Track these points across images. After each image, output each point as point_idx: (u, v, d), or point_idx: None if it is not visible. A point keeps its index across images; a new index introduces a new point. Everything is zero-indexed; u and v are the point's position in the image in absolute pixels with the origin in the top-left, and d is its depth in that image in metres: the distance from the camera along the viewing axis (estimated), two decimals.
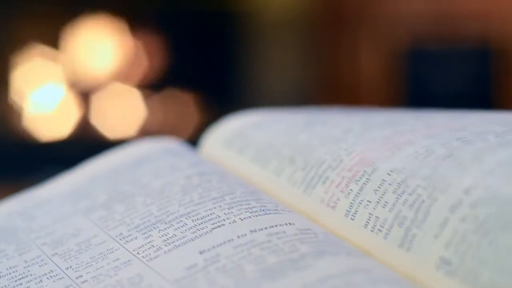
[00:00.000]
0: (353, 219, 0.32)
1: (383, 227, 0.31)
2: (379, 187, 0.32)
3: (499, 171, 0.29)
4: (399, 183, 0.31)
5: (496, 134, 0.33)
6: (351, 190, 0.33)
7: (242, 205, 0.34)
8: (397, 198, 0.31)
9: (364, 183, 0.33)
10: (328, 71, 1.81)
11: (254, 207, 0.34)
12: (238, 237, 0.31)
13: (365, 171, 0.33)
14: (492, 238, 0.27)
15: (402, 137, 0.35)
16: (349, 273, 0.28)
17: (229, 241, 0.31)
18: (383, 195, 0.32)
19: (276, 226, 0.32)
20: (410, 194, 0.31)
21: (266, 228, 0.31)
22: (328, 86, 1.82)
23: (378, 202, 0.32)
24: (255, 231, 0.31)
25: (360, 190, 0.33)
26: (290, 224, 0.32)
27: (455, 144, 0.32)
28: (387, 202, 0.31)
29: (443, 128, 0.35)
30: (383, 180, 0.32)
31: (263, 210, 0.33)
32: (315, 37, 1.81)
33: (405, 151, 0.33)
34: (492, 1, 1.67)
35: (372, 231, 0.31)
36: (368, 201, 0.32)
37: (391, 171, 0.32)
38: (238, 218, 0.33)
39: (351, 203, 0.33)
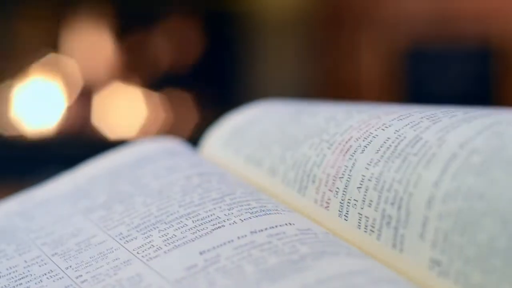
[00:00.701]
0: (346, 220, 0.32)
1: (374, 227, 0.30)
2: (361, 184, 0.32)
3: (461, 154, 0.29)
4: (377, 178, 0.31)
5: (465, 111, 0.32)
6: (338, 188, 0.33)
7: (242, 205, 0.34)
8: (379, 195, 0.31)
9: (347, 180, 0.33)
10: (328, 71, 1.81)
11: (254, 207, 0.34)
12: (238, 238, 0.31)
13: (346, 166, 0.33)
14: (470, 236, 0.26)
15: (377, 121, 0.34)
16: (349, 274, 0.28)
17: (229, 242, 0.31)
18: (366, 192, 0.31)
19: (276, 226, 0.32)
20: (388, 191, 0.30)
21: (266, 229, 0.31)
22: (328, 86, 1.82)
23: (363, 201, 0.31)
24: (255, 232, 0.31)
25: (345, 189, 0.32)
26: (290, 224, 0.32)
27: (425, 124, 0.32)
28: (371, 201, 0.31)
29: (417, 109, 0.34)
30: (363, 175, 0.32)
31: (263, 211, 0.33)
32: (315, 37, 1.81)
33: (378, 139, 0.33)
34: (492, 1, 1.66)
35: (365, 231, 0.31)
36: (355, 200, 0.32)
37: (368, 164, 0.32)
38: (238, 219, 0.33)
39: (340, 202, 0.33)
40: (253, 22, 1.77)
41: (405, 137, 0.32)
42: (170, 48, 1.77)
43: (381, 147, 0.32)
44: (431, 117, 0.32)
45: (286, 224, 0.32)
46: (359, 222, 0.31)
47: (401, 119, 0.33)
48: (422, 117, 0.32)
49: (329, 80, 1.82)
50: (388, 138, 0.32)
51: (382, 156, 0.32)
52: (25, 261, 0.34)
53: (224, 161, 0.41)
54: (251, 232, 0.31)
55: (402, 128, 0.32)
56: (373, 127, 0.34)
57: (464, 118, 0.31)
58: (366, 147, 0.33)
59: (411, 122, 0.32)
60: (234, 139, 0.42)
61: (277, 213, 0.33)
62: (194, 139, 0.50)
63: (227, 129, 0.44)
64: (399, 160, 0.31)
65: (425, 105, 0.39)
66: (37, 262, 0.34)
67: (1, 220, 0.39)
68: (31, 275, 0.33)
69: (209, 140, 0.44)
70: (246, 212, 0.33)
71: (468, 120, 0.31)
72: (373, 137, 0.33)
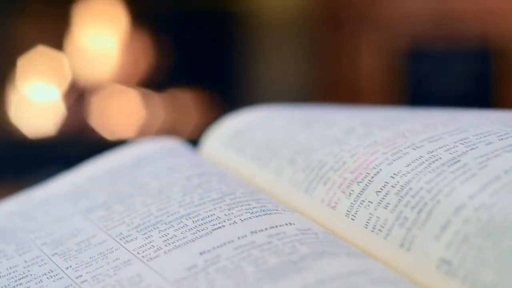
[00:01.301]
0: (353, 219, 0.32)
1: (383, 227, 0.31)
2: (381, 189, 0.32)
3: (505, 178, 0.29)
4: (402, 186, 0.31)
5: (499, 136, 0.33)
6: (353, 190, 0.33)
7: (242, 205, 0.34)
8: (399, 199, 0.31)
9: (366, 185, 0.33)
10: (328, 71, 1.81)
11: (254, 207, 0.34)
12: (239, 238, 0.31)
13: (367, 173, 0.33)
14: (495, 240, 0.27)
15: (405, 140, 0.34)
16: (349, 274, 0.28)
17: (229, 242, 0.31)
18: (385, 196, 0.32)
19: (276, 226, 0.32)
20: (412, 196, 0.31)
21: (266, 229, 0.31)
22: (328, 86, 1.82)
23: (379, 203, 0.32)
24: (256, 232, 0.31)
25: (361, 191, 0.33)
26: (290, 224, 0.32)
27: (460, 148, 0.32)
28: (388, 203, 0.31)
29: (444, 129, 0.35)
30: (386, 182, 0.32)
31: (263, 211, 0.33)
32: (315, 37, 1.80)
33: (409, 156, 0.33)
34: (492, 1, 1.66)
35: (372, 231, 0.31)
36: (369, 201, 0.32)
37: (395, 174, 0.32)
38: (238, 219, 0.33)
39: (351, 203, 0.33)
40: (253, 22, 1.77)
41: (440, 158, 0.32)
42: (170, 48, 1.77)
43: (412, 162, 0.33)
44: (465, 142, 0.33)
45: (286, 224, 0.32)
46: (367, 222, 0.32)
47: (431, 141, 0.34)
48: (455, 141, 0.33)
49: (329, 80, 1.82)
50: (421, 156, 0.33)
51: (412, 169, 0.32)
52: (25, 261, 0.34)
53: (224, 161, 0.41)
54: (251, 232, 0.31)
55: (436, 150, 0.33)
56: (401, 145, 0.34)
57: (503, 147, 0.32)
58: (395, 161, 0.33)
59: (444, 145, 0.33)
60: (235, 140, 0.42)
61: (277, 213, 0.33)
62: (194, 139, 0.50)
63: (228, 130, 0.44)
64: (432, 174, 0.31)
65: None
66: (37, 262, 0.34)
67: (1, 220, 0.39)
68: (31, 275, 0.33)
69: (209, 140, 0.44)
70: (246, 212, 0.33)
71: (508, 150, 0.31)
72: (403, 154, 0.34)
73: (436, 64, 1.70)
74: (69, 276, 0.32)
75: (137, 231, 0.34)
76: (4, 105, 1.70)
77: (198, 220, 0.33)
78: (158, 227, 0.33)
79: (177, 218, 0.34)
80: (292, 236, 0.31)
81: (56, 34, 1.72)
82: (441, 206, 0.29)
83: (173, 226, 0.33)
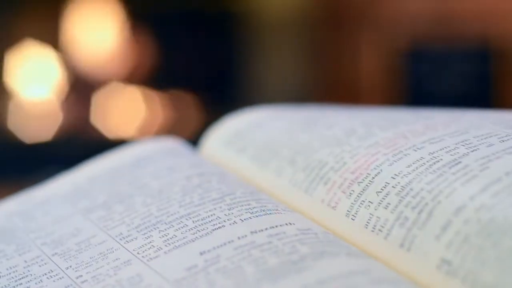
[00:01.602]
0: (353, 219, 0.32)
1: (383, 227, 0.31)
2: (382, 189, 0.32)
3: (506, 180, 0.29)
4: (403, 186, 0.32)
5: (500, 138, 0.33)
6: (353, 191, 0.33)
7: (242, 205, 0.34)
8: (400, 200, 0.31)
9: (367, 185, 0.33)
10: (328, 71, 1.81)
11: (254, 207, 0.34)
12: (239, 238, 0.31)
13: (368, 173, 0.33)
14: (495, 240, 0.27)
15: (405, 141, 0.35)
16: (349, 274, 0.28)
17: (229, 242, 0.31)
18: (385, 196, 0.32)
19: (276, 226, 0.32)
20: (413, 197, 0.31)
21: (266, 229, 0.31)
22: (328, 86, 1.82)
23: (380, 203, 0.32)
24: (256, 232, 0.31)
25: (362, 191, 0.33)
26: (290, 224, 0.32)
27: (461, 150, 0.32)
28: (389, 204, 0.31)
29: (444, 131, 0.35)
30: (387, 182, 0.32)
31: (263, 211, 0.33)
32: (315, 37, 1.80)
33: (410, 157, 0.33)
34: (492, 1, 1.66)
35: (372, 231, 0.31)
36: (369, 202, 0.32)
37: (396, 174, 0.32)
38: (238, 219, 0.33)
39: (352, 203, 0.33)
40: (253, 22, 1.77)
41: (441, 159, 0.32)
42: (170, 48, 1.77)
43: (413, 163, 0.33)
44: (466, 143, 0.33)
45: (286, 224, 0.32)
46: (367, 222, 0.32)
47: (432, 143, 0.34)
48: (456, 143, 0.33)
49: (329, 80, 1.82)
50: (422, 157, 0.33)
51: (413, 170, 0.32)
52: (25, 261, 0.34)
53: (224, 162, 0.41)
54: (251, 232, 0.31)
55: (437, 151, 0.33)
56: (402, 146, 0.34)
57: (504, 149, 0.32)
58: (396, 161, 0.33)
59: (445, 147, 0.33)
60: (235, 141, 0.42)
61: (277, 213, 0.33)
62: (194, 139, 0.50)
63: (228, 130, 0.44)
64: (433, 175, 0.31)
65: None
66: (37, 262, 0.34)
67: (1, 220, 0.39)
68: (31, 275, 0.33)
69: (209, 140, 0.44)
70: (246, 212, 0.33)
71: (509, 152, 0.31)
72: (404, 155, 0.34)
73: (436, 64, 1.71)
74: (69, 276, 0.32)
75: (137, 231, 0.34)
76: (4, 105, 1.70)
77: (198, 220, 0.33)
78: (158, 227, 0.33)
79: (177, 218, 0.34)
80: (292, 236, 0.31)
81: (56, 33, 1.72)
82: (441, 207, 0.29)
83: (173, 226, 0.33)
